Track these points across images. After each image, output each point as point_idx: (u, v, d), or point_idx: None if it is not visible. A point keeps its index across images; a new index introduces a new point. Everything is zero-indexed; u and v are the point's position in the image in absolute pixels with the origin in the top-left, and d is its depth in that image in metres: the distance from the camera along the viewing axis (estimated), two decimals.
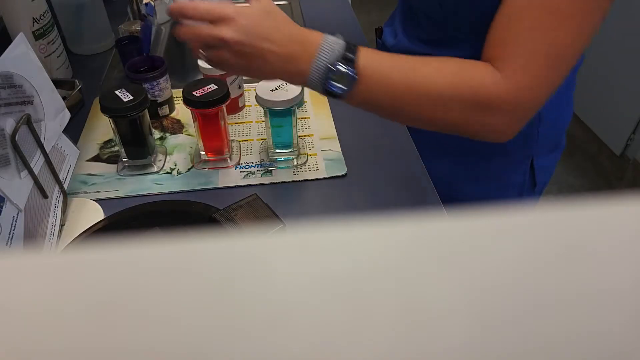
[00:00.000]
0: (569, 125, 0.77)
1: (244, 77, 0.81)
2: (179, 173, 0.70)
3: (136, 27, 0.93)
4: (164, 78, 0.77)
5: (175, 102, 0.83)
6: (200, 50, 0.50)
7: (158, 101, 0.78)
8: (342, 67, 0.48)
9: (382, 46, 0.84)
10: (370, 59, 0.49)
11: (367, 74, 0.49)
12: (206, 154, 0.71)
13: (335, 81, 0.48)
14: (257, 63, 0.49)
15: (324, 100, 0.83)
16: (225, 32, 0.47)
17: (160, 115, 0.80)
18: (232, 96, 0.73)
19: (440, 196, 0.66)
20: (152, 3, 0.84)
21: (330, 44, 0.49)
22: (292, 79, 0.51)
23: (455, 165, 0.75)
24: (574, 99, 0.75)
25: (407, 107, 0.51)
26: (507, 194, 0.76)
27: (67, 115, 0.64)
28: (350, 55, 0.48)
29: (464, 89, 0.49)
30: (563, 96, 0.70)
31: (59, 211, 0.60)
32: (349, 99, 0.51)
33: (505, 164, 0.73)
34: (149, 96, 0.77)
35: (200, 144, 0.70)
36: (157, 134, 0.77)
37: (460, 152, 0.74)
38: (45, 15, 0.83)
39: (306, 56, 0.48)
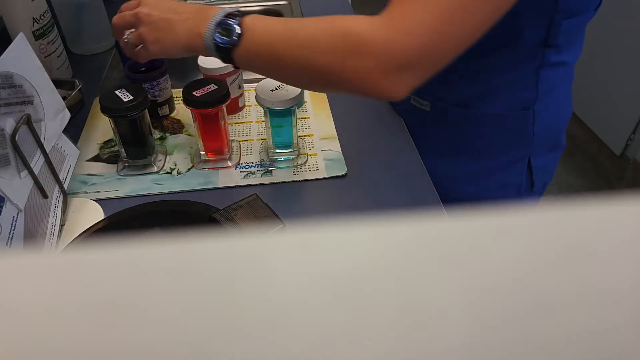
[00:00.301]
0: (569, 125, 0.77)
1: (244, 77, 0.81)
2: (179, 173, 0.70)
3: None
4: (164, 78, 0.77)
5: (176, 102, 0.83)
6: (125, 36, 0.61)
7: (158, 101, 0.78)
8: (229, 21, 0.53)
9: None
10: (256, 17, 0.54)
11: (251, 28, 0.53)
12: (206, 154, 0.71)
13: (223, 35, 0.53)
14: (165, 33, 0.57)
15: (324, 100, 0.83)
16: (140, 9, 0.58)
17: (160, 115, 0.80)
18: (232, 96, 0.73)
19: (438, 195, 0.66)
20: None
21: (224, 9, 0.55)
22: (193, 42, 0.56)
23: (452, 165, 0.75)
24: (573, 99, 0.75)
25: (284, 56, 0.52)
26: (504, 193, 0.76)
27: (67, 115, 0.64)
28: (237, 13, 0.54)
29: (337, 32, 0.49)
30: (557, 93, 0.69)
31: (59, 211, 0.60)
32: (237, 54, 0.53)
33: (500, 164, 0.73)
34: (149, 96, 0.77)
35: (200, 144, 0.70)
36: (157, 134, 0.77)
37: (457, 151, 0.74)
38: (45, 15, 0.83)
39: (203, 20, 0.55)
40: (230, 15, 0.54)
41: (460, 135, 0.73)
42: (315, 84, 0.55)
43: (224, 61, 0.55)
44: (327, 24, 0.50)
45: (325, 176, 0.69)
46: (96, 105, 0.82)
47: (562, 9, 0.58)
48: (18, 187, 0.53)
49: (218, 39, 0.53)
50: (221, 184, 0.68)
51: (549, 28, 0.59)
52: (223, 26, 0.53)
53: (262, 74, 0.58)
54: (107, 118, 0.66)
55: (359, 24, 0.48)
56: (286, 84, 0.65)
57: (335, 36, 0.49)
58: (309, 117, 0.80)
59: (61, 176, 0.62)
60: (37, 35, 0.82)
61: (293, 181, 0.68)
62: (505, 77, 0.65)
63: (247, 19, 0.53)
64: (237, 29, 0.52)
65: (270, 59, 0.53)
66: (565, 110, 0.74)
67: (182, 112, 0.82)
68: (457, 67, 0.66)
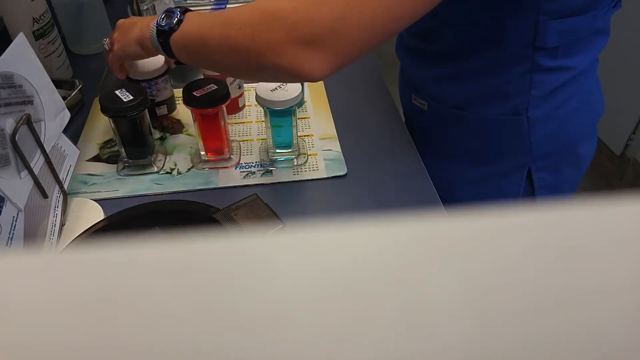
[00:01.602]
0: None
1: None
2: (179, 173, 0.70)
3: None
4: (162, 78, 0.77)
5: (176, 103, 0.83)
6: (104, 43, 0.69)
7: (156, 100, 0.78)
8: (174, 9, 0.57)
9: (401, 76, 0.83)
10: (197, 12, 0.58)
11: (190, 17, 0.57)
12: (206, 154, 0.71)
13: (165, 20, 0.57)
14: (128, 31, 0.63)
15: (324, 100, 0.83)
16: (118, 22, 0.65)
17: (158, 115, 0.80)
18: (232, 96, 0.73)
19: (438, 195, 0.66)
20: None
21: (172, 8, 0.59)
22: (143, 34, 0.60)
23: (450, 168, 0.74)
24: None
25: (209, 35, 0.54)
26: (501, 203, 0.73)
27: (67, 115, 0.64)
28: (182, 8, 0.58)
29: (255, 8, 0.51)
30: (563, 102, 0.65)
31: (59, 211, 0.60)
32: (174, 39, 0.57)
33: (497, 171, 0.71)
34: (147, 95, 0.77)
35: (200, 144, 0.70)
36: (157, 134, 0.77)
37: (455, 154, 0.74)
38: (45, 15, 0.83)
39: (157, 17, 0.59)
40: (174, 8, 0.58)
41: (457, 138, 0.73)
42: (235, 64, 0.55)
43: (164, 49, 0.58)
44: (251, 5, 0.53)
45: (325, 176, 0.69)
46: (96, 105, 0.82)
47: (546, 8, 0.56)
48: (18, 187, 0.53)
49: (159, 23, 0.57)
50: (221, 184, 0.68)
51: (535, 29, 0.58)
52: (167, 13, 0.57)
53: (194, 63, 0.62)
54: (107, 118, 0.66)
55: (277, 1, 0.50)
56: (216, 71, 0.68)
57: (252, 12, 0.51)
58: (309, 117, 0.80)
59: (61, 176, 0.62)
60: (37, 35, 0.82)
61: (293, 181, 0.68)
62: (496, 80, 0.64)
63: (192, 12, 0.58)
64: (179, 15, 0.56)
65: (198, 41, 0.56)
66: (579, 121, 0.69)
67: (182, 112, 0.82)
68: (448, 66, 0.67)
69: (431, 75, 0.70)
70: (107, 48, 0.68)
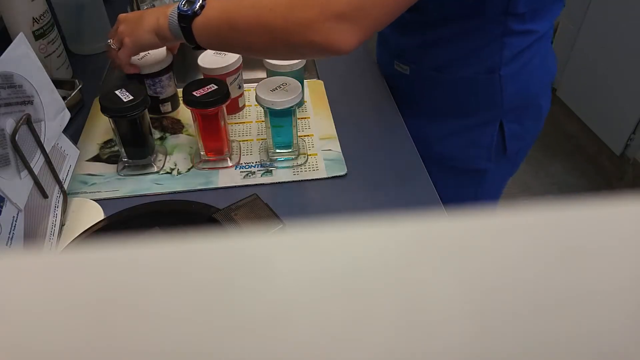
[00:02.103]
0: (569, 125, 0.80)
1: (244, 77, 0.82)
2: (179, 173, 0.70)
3: None
4: (167, 75, 0.77)
5: (179, 100, 0.83)
6: (110, 43, 0.70)
7: (160, 97, 0.78)
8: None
9: (381, 45, 0.89)
10: None
11: (211, 3, 0.60)
12: (206, 154, 0.71)
13: (186, 6, 0.60)
14: (137, 24, 0.65)
15: (324, 100, 0.83)
16: (120, 16, 0.69)
17: (162, 112, 0.80)
18: (232, 96, 0.73)
19: (437, 195, 0.67)
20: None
21: None
22: (160, 22, 0.63)
23: (429, 125, 0.81)
24: (573, 98, 0.78)
25: (236, 18, 0.58)
26: (476, 153, 0.81)
27: (67, 115, 0.64)
28: None
29: None
30: (527, 61, 0.73)
31: (59, 211, 0.60)
32: (196, 24, 0.60)
33: (472, 124, 0.79)
34: (151, 92, 0.77)
35: (200, 144, 0.70)
36: (157, 134, 0.77)
37: (434, 112, 0.81)
38: (45, 15, 0.83)
39: (170, 6, 0.63)
40: None
41: (436, 97, 0.80)
42: (264, 44, 0.59)
43: (185, 36, 0.61)
44: None
45: (325, 176, 0.69)
46: (96, 105, 0.82)
47: None
48: (18, 187, 0.53)
49: (181, 9, 0.60)
50: (221, 184, 0.68)
51: None
52: (188, 0, 0.60)
53: (215, 46, 0.65)
54: (107, 118, 0.66)
55: None
56: (241, 53, 0.71)
57: None
58: (309, 117, 0.80)
59: (61, 176, 0.62)
60: (37, 35, 0.82)
61: (293, 181, 0.68)
62: (473, 43, 0.71)
63: None
64: (201, 1, 0.60)
65: (225, 25, 0.59)
66: (539, 80, 0.78)
67: (182, 112, 0.82)
68: (429, 34, 0.74)
69: (414, 43, 0.77)
70: (113, 46, 0.69)
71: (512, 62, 0.72)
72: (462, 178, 0.85)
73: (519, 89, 0.75)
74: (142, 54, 0.74)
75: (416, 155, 0.73)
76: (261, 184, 0.68)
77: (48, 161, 0.59)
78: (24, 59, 0.56)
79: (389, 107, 0.82)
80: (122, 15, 0.68)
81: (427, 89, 0.80)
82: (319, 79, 0.89)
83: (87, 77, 0.87)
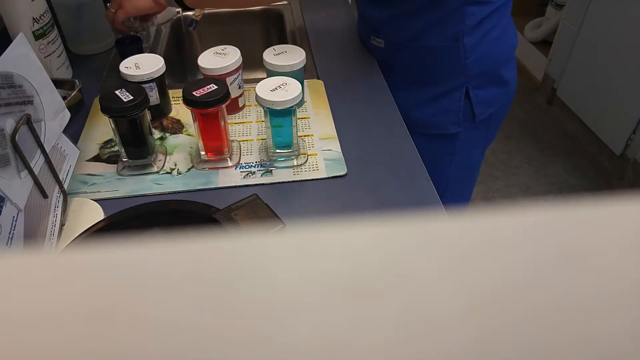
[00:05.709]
0: (569, 125, 0.83)
1: (244, 77, 0.82)
2: (179, 173, 0.70)
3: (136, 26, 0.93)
4: (148, 85, 0.77)
5: (175, 102, 0.83)
6: (110, 7, 0.82)
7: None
8: None
9: (360, 23, 0.98)
10: None
11: None
12: (206, 154, 0.71)
13: None
14: None
15: (324, 100, 0.83)
16: None
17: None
18: (232, 96, 0.73)
19: (437, 195, 0.67)
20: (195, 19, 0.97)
21: None
22: None
23: (407, 94, 0.88)
24: (574, 97, 0.82)
25: None
26: (447, 119, 0.88)
27: (67, 115, 0.64)
28: None
29: None
30: (488, 30, 0.80)
31: (59, 211, 0.60)
32: None
33: (442, 92, 0.86)
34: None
35: (200, 144, 0.70)
36: (157, 134, 0.77)
37: (409, 81, 0.88)
38: (45, 15, 0.83)
39: None
40: None
41: (408, 65, 0.87)
42: None
43: None
44: None
45: (325, 176, 0.69)
46: (96, 105, 0.82)
47: None
48: (18, 187, 0.53)
49: None
50: (221, 184, 0.68)
51: None
52: None
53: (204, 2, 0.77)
54: (107, 118, 0.66)
55: None
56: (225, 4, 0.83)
57: None
58: (309, 117, 0.80)
59: (61, 176, 0.62)
60: (37, 35, 0.82)
61: (293, 181, 0.68)
62: (437, 13, 0.79)
63: None
64: None
65: None
66: (500, 48, 0.85)
67: (182, 112, 0.82)
68: (398, 7, 0.83)
69: (386, 16, 0.85)
70: (112, 10, 0.81)
71: (474, 31, 0.80)
72: (435, 144, 0.91)
73: (480, 56, 0.82)
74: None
75: (416, 155, 0.73)
76: (261, 184, 0.68)
77: (48, 161, 0.59)
78: (24, 59, 0.56)
79: (390, 107, 0.82)
80: None
81: (400, 60, 0.88)
82: (319, 79, 0.89)
83: (87, 77, 0.87)
